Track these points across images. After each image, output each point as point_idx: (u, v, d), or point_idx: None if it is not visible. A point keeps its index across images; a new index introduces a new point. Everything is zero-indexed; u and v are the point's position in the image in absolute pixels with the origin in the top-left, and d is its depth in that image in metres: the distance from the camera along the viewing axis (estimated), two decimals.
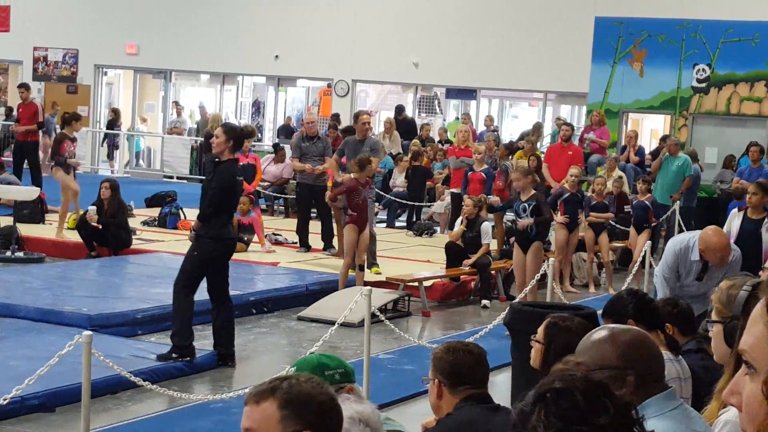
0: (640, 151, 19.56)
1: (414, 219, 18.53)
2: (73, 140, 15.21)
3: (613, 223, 15.04)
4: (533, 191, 11.58)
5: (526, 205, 11.40)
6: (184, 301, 9.11)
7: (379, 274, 12.95)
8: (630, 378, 3.00)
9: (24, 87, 20.39)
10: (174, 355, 8.98)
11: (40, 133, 19.86)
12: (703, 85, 21.10)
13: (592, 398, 2.02)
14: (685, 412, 3.19)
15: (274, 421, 2.57)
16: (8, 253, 13.75)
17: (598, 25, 21.73)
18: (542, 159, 17.22)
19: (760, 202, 9.76)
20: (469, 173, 15.41)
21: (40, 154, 19.69)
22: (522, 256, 11.48)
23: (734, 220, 9.83)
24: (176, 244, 14.70)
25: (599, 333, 3.22)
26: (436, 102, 25.54)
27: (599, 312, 6.87)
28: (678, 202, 17.20)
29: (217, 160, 9.19)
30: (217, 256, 9.09)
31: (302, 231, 15.08)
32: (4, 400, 6.75)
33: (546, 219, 11.63)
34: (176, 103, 26.82)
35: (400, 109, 23.47)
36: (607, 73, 21.73)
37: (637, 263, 12.93)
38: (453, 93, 25.06)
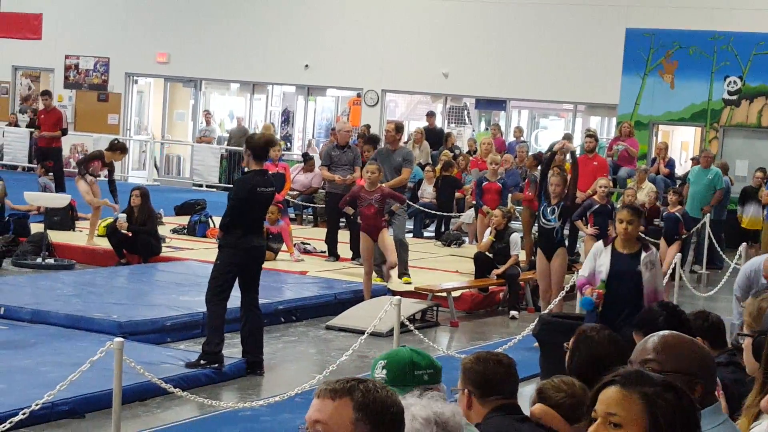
0: (670, 163, 19.47)
1: (443, 229, 18.52)
2: (107, 165, 15.18)
3: (643, 235, 14.96)
4: (560, 195, 11.16)
5: (554, 207, 10.95)
6: (213, 310, 9.17)
7: (410, 283, 12.95)
8: (699, 387, 3.00)
9: (47, 94, 20.57)
10: (202, 361, 9.02)
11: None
12: (735, 97, 20.99)
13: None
14: (732, 427, 3.18)
15: (346, 421, 2.59)
16: (39, 260, 13.83)
17: (629, 36, 21.67)
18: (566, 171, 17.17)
19: (635, 231, 8.06)
20: (484, 184, 15.35)
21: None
22: (545, 263, 10.98)
23: (602, 257, 8.05)
24: (205, 252, 14.75)
25: (677, 336, 3.20)
26: (466, 112, 25.52)
27: None
28: (708, 214, 17.10)
29: (247, 170, 9.31)
30: (239, 264, 9.13)
31: (331, 240, 15.10)
32: (36, 405, 6.79)
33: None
34: (206, 112, 26.94)
35: (431, 115, 23.48)
36: (637, 84, 21.66)
37: (667, 275, 12.86)
38: (482, 104, 25.04)
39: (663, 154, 19.29)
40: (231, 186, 11.31)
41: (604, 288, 7.90)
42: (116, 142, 15.63)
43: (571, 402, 4.21)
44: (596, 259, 8.01)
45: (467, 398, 4.39)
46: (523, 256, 14.17)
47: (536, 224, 11.49)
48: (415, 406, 3.91)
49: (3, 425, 6.63)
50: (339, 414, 2.59)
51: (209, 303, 9.19)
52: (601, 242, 8.15)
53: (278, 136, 23.16)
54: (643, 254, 7.88)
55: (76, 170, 15.40)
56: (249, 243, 9.17)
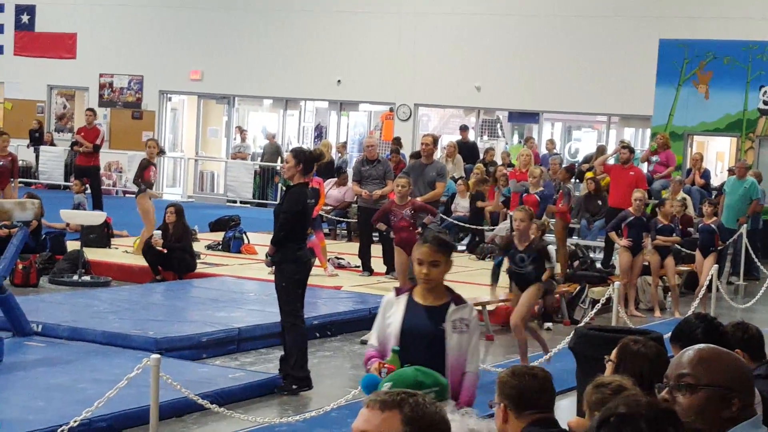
0: (705, 174, 19.34)
1: (476, 242, 18.48)
2: (146, 163, 15.43)
3: (678, 247, 14.88)
4: (532, 238, 10.28)
5: (524, 255, 10.11)
6: (297, 332, 9.18)
7: None
8: (737, 401, 2.97)
9: (92, 111, 20.86)
10: (294, 386, 9.08)
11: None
12: None
13: (656, 426, 1.96)
14: None
15: None
16: (75, 277, 13.93)
17: (662, 47, 21.57)
18: (600, 182, 17.16)
19: (440, 274, 5.45)
20: (524, 195, 15.36)
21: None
22: (518, 293, 10.36)
23: (395, 307, 5.46)
24: (240, 268, 14.80)
25: (713, 350, 3.16)
26: (498, 126, 25.50)
27: (665, 336, 6.79)
28: (745, 225, 16.97)
29: (288, 184, 9.30)
30: (301, 279, 9.18)
31: (365, 255, 15.11)
32: (75, 422, 6.82)
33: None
34: (239, 128, 27.06)
35: (464, 128, 23.48)
36: (671, 95, 21.54)
37: (704, 287, 12.77)
38: (515, 116, 25.00)
39: (698, 165, 19.17)
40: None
41: (397, 361, 5.12)
42: (147, 140, 15.98)
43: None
44: (385, 315, 5.48)
45: (503, 412, 4.38)
46: (558, 268, 14.11)
47: (509, 264, 10.40)
48: (451, 423, 3.90)
49: None
50: (387, 426, 2.56)
51: (292, 327, 9.14)
52: (392, 293, 5.53)
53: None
54: (452, 308, 5.37)
55: (136, 189, 15.56)
56: (306, 256, 9.25)
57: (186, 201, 23.29)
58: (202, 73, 26.36)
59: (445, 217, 18.66)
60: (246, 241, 16.68)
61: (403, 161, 19.33)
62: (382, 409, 2.58)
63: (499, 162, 21.93)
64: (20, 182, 18.70)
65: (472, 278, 15.06)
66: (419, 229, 12.26)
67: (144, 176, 15.24)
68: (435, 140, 14.52)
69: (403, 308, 5.39)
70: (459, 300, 5.42)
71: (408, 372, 4.31)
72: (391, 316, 5.40)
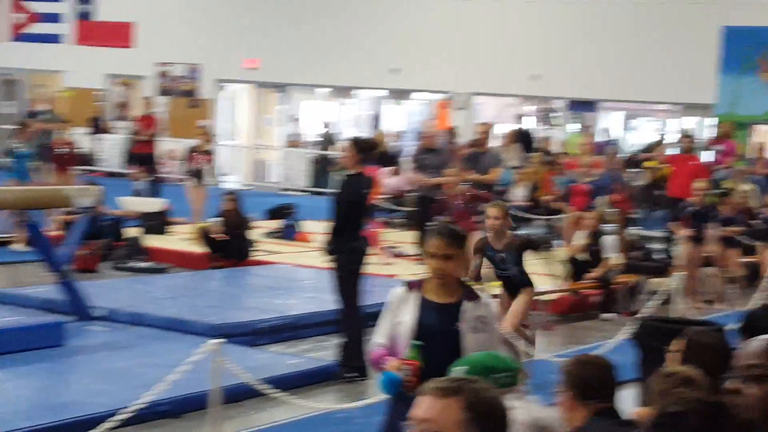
0: None
1: (535, 232, 18.36)
2: (206, 153, 15.46)
3: (740, 238, 14.66)
4: (507, 234, 8.94)
5: (503, 255, 8.83)
6: (352, 322, 9.18)
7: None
8: None
9: (148, 100, 21.07)
10: (350, 374, 9.12)
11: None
12: None
13: (706, 420, 1.92)
14: None
15: (455, 420, 2.57)
16: (134, 264, 14.04)
17: (726, 34, 21.24)
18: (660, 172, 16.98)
19: (454, 268, 5.08)
20: (572, 185, 15.23)
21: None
22: (508, 300, 9.00)
23: (406, 303, 5.12)
24: (296, 256, 14.83)
25: None
26: (556, 114, 25.30)
27: (727, 328, 6.68)
28: None
29: (346, 174, 9.26)
30: (357, 267, 9.16)
31: (421, 243, 15.06)
32: (143, 403, 6.87)
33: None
34: (295, 117, 27.13)
35: (520, 117, 23.35)
36: (735, 83, 21.22)
37: (766, 278, 12.58)
38: (573, 105, 24.77)
39: (762, 154, 18.88)
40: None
41: (418, 355, 4.89)
42: (199, 128, 16.09)
43: None
44: (394, 312, 5.17)
45: (567, 401, 4.35)
46: (617, 259, 13.97)
47: (492, 267, 9.06)
48: (515, 410, 3.86)
49: (105, 424, 6.71)
50: (447, 414, 2.57)
51: (348, 316, 9.13)
52: (401, 288, 5.19)
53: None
54: (465, 304, 5.04)
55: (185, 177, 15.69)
56: (361, 245, 9.21)
57: (242, 189, 23.37)
58: (258, 61, 26.42)
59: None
60: (301, 229, 16.72)
61: (458, 150, 19.24)
62: (442, 396, 2.59)
63: (557, 151, 21.78)
64: (80, 169, 18.89)
65: (529, 268, 14.93)
66: (476, 218, 12.20)
67: (190, 163, 15.32)
68: (490, 129, 14.47)
69: (415, 305, 5.05)
70: (474, 295, 5.08)
71: (480, 356, 4.29)
72: (402, 314, 5.06)
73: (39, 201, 11.08)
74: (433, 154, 15.14)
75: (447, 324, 4.95)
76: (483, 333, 5.00)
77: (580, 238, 13.57)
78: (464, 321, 4.97)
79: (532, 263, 15.23)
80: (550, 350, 10.65)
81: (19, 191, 12.02)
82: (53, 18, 25.13)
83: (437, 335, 4.94)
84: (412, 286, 5.12)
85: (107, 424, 6.69)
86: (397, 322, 5.06)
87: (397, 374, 4.86)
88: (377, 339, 5.18)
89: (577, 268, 12.99)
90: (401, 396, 4.87)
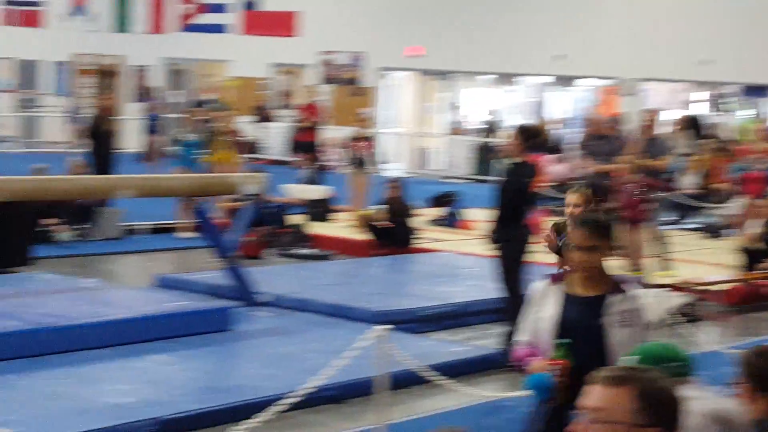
0: None
1: (707, 221, 17.88)
2: (364, 139, 15.55)
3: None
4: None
5: None
6: (516, 310, 9.06)
7: (672, 276, 12.50)
8: None
9: (312, 89, 21.33)
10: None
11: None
12: None
13: None
14: None
15: (627, 409, 2.51)
16: (298, 250, 14.19)
17: None
18: None
19: (594, 259, 4.84)
20: (745, 172, 14.68)
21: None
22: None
23: (548, 297, 4.89)
24: (458, 244, 14.72)
25: None
26: (728, 100, 24.49)
27: None
28: None
29: (511, 162, 9.14)
30: (520, 256, 9.09)
31: None
32: (313, 387, 6.89)
33: None
34: (458, 105, 27.03)
35: (691, 103, 22.71)
36: None
37: None
38: (747, 90, 23.91)
39: None
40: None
41: (567, 355, 4.71)
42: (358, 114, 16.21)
43: None
44: (536, 307, 4.93)
45: (748, 392, 4.15)
46: None
47: None
48: (694, 401, 3.67)
49: (272, 408, 6.73)
50: (620, 402, 2.51)
51: (512, 304, 8.96)
52: (543, 281, 4.97)
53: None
54: (610, 298, 4.79)
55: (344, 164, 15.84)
56: (525, 234, 9.12)
57: (405, 176, 23.41)
58: (421, 49, 26.39)
59: (670, 194, 18.07)
60: (463, 217, 16.63)
61: (624, 138, 18.82)
62: (612, 385, 2.54)
63: (727, 138, 21.09)
64: (245, 157, 19.20)
65: (702, 257, 14.51)
66: (647, 206, 11.92)
67: (352, 151, 15.42)
68: (656, 116, 14.16)
69: (557, 299, 4.80)
70: (620, 289, 4.81)
71: (652, 347, 4.15)
72: (544, 308, 4.82)
73: (206, 188, 11.27)
74: (601, 140, 14.87)
75: (591, 318, 4.73)
76: (630, 328, 4.73)
77: (754, 227, 13.06)
78: (609, 315, 4.73)
79: (705, 252, 14.83)
80: (723, 342, 10.28)
81: (187, 179, 12.26)
82: (219, 8, 25.55)
83: (580, 330, 4.71)
84: (554, 278, 4.92)
85: (274, 408, 6.72)
86: (539, 317, 4.86)
87: (545, 375, 4.69)
88: (521, 336, 4.98)
89: (751, 258, 12.55)
90: (547, 399, 4.78)
